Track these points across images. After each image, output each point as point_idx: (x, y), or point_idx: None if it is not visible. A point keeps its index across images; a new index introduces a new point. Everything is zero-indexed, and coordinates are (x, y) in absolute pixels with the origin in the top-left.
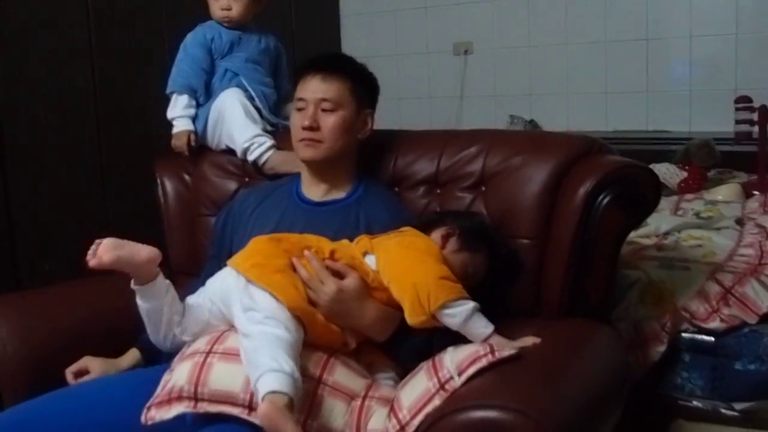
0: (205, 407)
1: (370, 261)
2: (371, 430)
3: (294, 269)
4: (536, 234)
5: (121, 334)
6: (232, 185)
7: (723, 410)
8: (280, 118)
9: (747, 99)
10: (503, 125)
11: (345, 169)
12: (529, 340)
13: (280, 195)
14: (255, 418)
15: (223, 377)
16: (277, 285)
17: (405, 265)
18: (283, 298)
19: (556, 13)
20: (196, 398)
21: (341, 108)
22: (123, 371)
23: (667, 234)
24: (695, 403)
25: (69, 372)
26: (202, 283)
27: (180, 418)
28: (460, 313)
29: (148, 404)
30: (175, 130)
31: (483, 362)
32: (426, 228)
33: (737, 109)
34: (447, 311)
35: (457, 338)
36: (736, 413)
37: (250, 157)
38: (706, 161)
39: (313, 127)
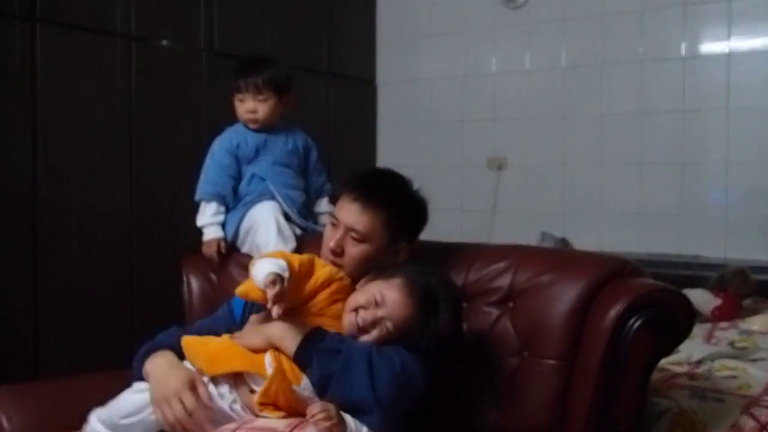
0: None
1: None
2: None
3: None
4: (563, 355)
5: None
6: None
7: None
8: (310, 220)
9: None
10: (534, 241)
11: None
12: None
13: None
14: None
15: None
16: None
17: None
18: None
19: (591, 132)
20: None
21: (368, 241)
22: None
23: (699, 363)
24: None
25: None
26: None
27: None
28: None
29: None
30: (205, 238)
31: None
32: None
33: None
34: None
35: None
36: None
37: None
38: (741, 289)
39: (336, 252)
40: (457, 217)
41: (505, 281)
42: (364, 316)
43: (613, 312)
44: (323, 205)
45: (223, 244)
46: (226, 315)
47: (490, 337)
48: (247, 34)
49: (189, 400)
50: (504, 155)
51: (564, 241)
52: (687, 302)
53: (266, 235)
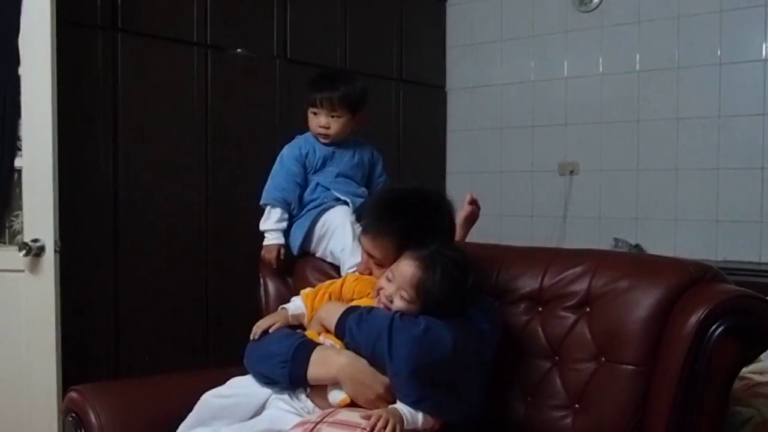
0: None
1: None
2: None
3: None
4: (642, 361)
5: None
6: None
7: None
8: None
9: None
10: (606, 248)
11: None
12: None
13: None
14: None
15: None
16: None
17: None
18: None
19: (666, 137)
20: None
21: (386, 265)
22: None
23: None
24: None
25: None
26: None
27: None
28: None
29: None
30: (266, 243)
31: None
32: None
33: None
34: None
35: None
36: None
37: (343, 271)
38: None
39: (366, 273)
40: (528, 223)
41: (582, 286)
42: (384, 292)
43: (695, 318)
44: None
45: (283, 251)
46: None
47: (566, 342)
48: (319, 42)
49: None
50: (576, 160)
51: (638, 248)
52: None
53: (342, 240)
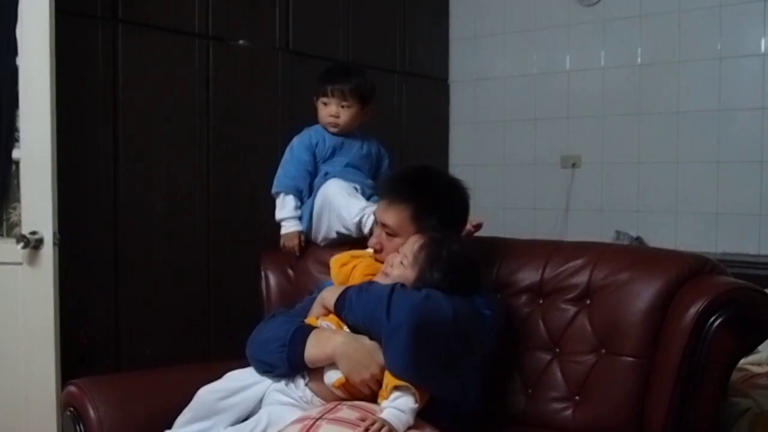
0: None
1: None
2: None
3: None
4: (642, 353)
5: None
6: None
7: None
8: None
9: None
10: (608, 240)
11: None
12: None
13: None
14: None
15: None
16: None
17: None
18: None
19: (667, 130)
20: None
21: (399, 236)
22: None
23: None
24: None
25: None
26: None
27: None
28: None
29: None
30: (284, 231)
31: None
32: None
33: None
34: None
35: None
36: None
37: (366, 229)
38: None
39: (377, 249)
40: (530, 216)
41: (582, 278)
42: (386, 263)
43: (694, 309)
44: None
45: (302, 237)
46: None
47: (566, 334)
48: (322, 34)
49: (379, 387)
50: (578, 153)
51: (639, 240)
52: None
53: (338, 199)
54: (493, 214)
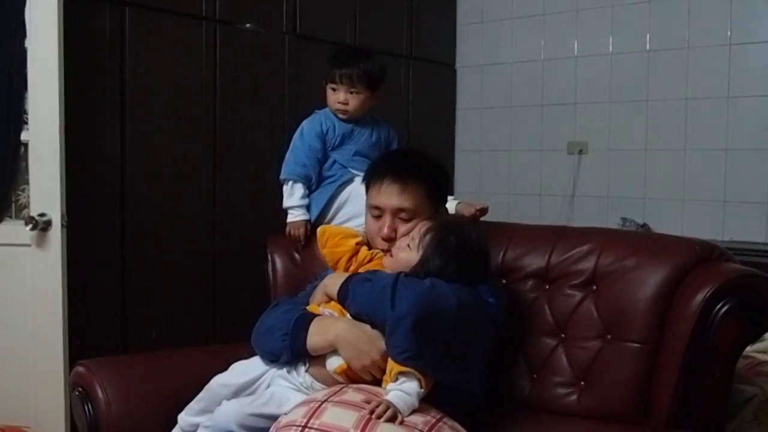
0: None
1: None
2: None
3: None
4: (648, 339)
5: None
6: None
7: None
8: None
9: None
10: (614, 227)
11: None
12: None
13: None
14: None
15: (336, 416)
16: None
17: None
18: None
19: (675, 117)
20: (306, 426)
21: (417, 216)
22: None
23: None
24: None
25: None
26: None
27: None
28: None
29: None
30: (291, 219)
31: None
32: None
33: None
34: None
35: None
36: None
37: None
38: None
39: (391, 237)
40: (536, 202)
41: (589, 264)
42: (398, 245)
43: (700, 296)
44: None
45: (309, 227)
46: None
47: (572, 320)
48: (329, 18)
49: (380, 374)
50: (584, 140)
51: (645, 228)
52: None
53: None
54: (499, 200)
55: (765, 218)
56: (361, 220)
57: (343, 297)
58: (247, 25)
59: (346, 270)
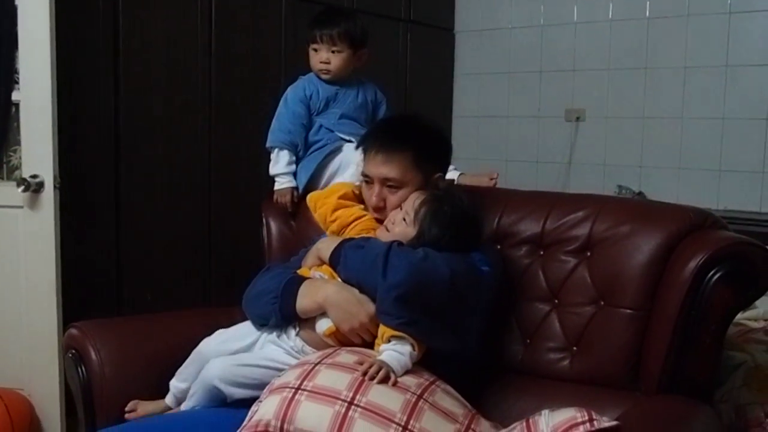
0: None
1: None
2: None
3: None
4: (640, 305)
5: None
6: None
7: None
8: None
9: None
10: (610, 195)
11: None
12: None
13: None
14: None
15: (310, 417)
16: None
17: None
18: None
19: (673, 86)
20: None
21: (405, 185)
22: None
23: None
24: None
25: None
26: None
27: None
28: None
29: None
30: (278, 187)
31: (580, 430)
32: None
33: None
34: None
35: None
36: None
37: None
38: None
39: (380, 207)
40: (533, 169)
41: (583, 230)
42: (389, 219)
43: (693, 263)
44: None
45: (296, 193)
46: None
47: (566, 285)
48: None
49: (369, 336)
50: (582, 107)
51: (641, 195)
52: None
53: None
54: (495, 166)
55: (759, 188)
56: None
57: (335, 261)
58: None
59: (339, 234)
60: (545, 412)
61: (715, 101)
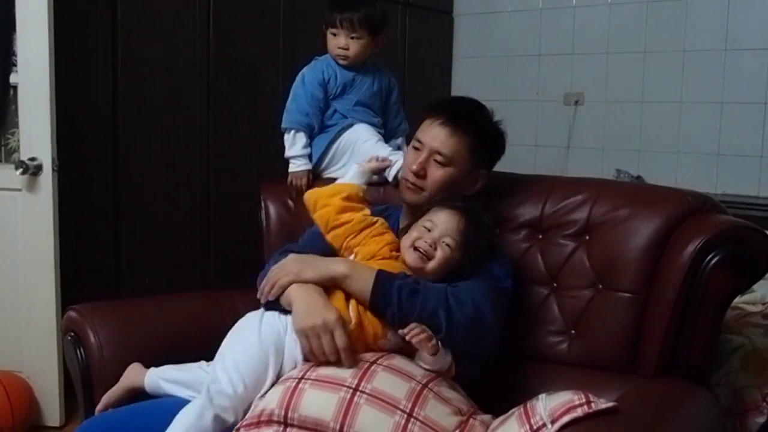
0: None
1: None
2: None
3: None
4: (639, 289)
5: (209, 345)
6: None
7: None
8: None
9: None
10: (609, 179)
11: None
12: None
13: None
14: None
15: (315, 404)
16: None
17: None
18: None
19: (672, 70)
20: (285, 423)
21: (452, 165)
22: None
23: None
24: None
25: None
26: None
27: None
28: None
29: (237, 426)
30: (294, 169)
31: (578, 412)
32: None
33: None
34: None
35: None
36: None
37: (390, 177)
38: None
39: (419, 175)
40: (531, 153)
41: (582, 214)
42: (423, 243)
43: (692, 247)
44: (397, 144)
45: (311, 176)
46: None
47: (564, 269)
48: None
49: (341, 338)
50: (581, 91)
51: (639, 179)
52: (767, 241)
53: (369, 144)
54: None
55: (758, 172)
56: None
57: (383, 302)
58: None
59: (345, 240)
60: (542, 396)
61: (714, 85)
